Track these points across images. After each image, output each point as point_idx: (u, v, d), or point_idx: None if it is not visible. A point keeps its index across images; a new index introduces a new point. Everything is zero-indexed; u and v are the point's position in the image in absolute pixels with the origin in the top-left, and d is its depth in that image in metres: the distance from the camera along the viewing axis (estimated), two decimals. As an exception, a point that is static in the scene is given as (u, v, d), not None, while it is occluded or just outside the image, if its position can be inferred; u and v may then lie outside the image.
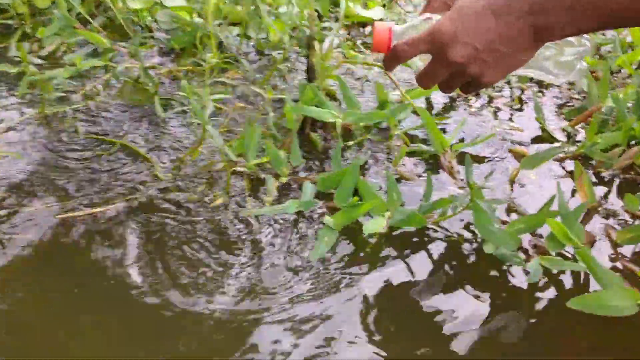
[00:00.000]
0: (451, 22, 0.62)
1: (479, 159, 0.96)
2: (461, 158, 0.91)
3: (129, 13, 1.25)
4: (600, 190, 0.91)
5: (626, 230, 0.80)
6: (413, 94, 1.01)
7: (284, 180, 0.88)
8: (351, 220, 0.81)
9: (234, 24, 1.32)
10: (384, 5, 1.42)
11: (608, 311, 0.65)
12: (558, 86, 1.16)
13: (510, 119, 1.07)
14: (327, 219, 0.80)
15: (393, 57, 0.68)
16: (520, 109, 1.09)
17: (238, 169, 0.88)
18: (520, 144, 1.00)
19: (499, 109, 1.09)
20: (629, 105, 0.98)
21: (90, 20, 1.19)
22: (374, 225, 0.80)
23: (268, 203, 0.85)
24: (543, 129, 1.03)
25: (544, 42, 0.63)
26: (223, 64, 1.17)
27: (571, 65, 0.67)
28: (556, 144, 0.99)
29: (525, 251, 0.79)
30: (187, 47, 1.20)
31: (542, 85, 1.17)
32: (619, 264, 0.78)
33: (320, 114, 0.92)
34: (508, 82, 1.16)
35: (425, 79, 0.68)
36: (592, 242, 0.81)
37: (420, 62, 0.73)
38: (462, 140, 0.99)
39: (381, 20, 1.34)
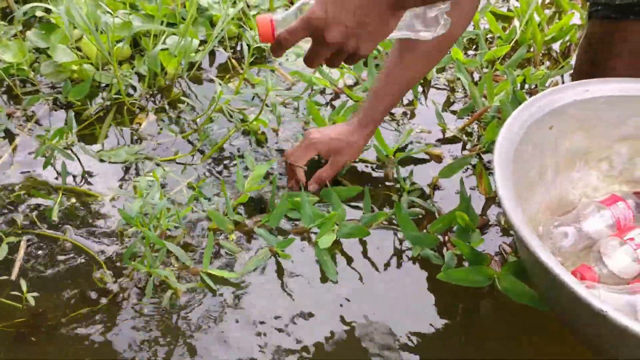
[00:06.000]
0: (320, 6, 0.67)
1: (406, 162, 1.09)
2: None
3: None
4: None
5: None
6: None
7: (233, 237, 0.92)
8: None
9: (119, 62, 1.28)
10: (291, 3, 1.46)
11: (467, 283, 0.82)
12: (438, 88, 1.29)
13: (415, 123, 1.18)
14: (322, 242, 0.89)
15: (278, 46, 0.71)
16: (413, 114, 1.21)
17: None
18: (433, 145, 1.13)
19: (405, 114, 1.20)
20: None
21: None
22: (328, 241, 0.90)
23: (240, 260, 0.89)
24: (445, 131, 1.16)
25: (405, 8, 0.69)
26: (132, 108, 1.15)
27: (436, 20, 0.72)
28: (465, 153, 1.11)
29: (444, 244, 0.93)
30: (82, 98, 1.15)
31: (425, 85, 1.30)
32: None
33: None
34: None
35: (310, 60, 0.72)
36: (484, 225, 0.96)
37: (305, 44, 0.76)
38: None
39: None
